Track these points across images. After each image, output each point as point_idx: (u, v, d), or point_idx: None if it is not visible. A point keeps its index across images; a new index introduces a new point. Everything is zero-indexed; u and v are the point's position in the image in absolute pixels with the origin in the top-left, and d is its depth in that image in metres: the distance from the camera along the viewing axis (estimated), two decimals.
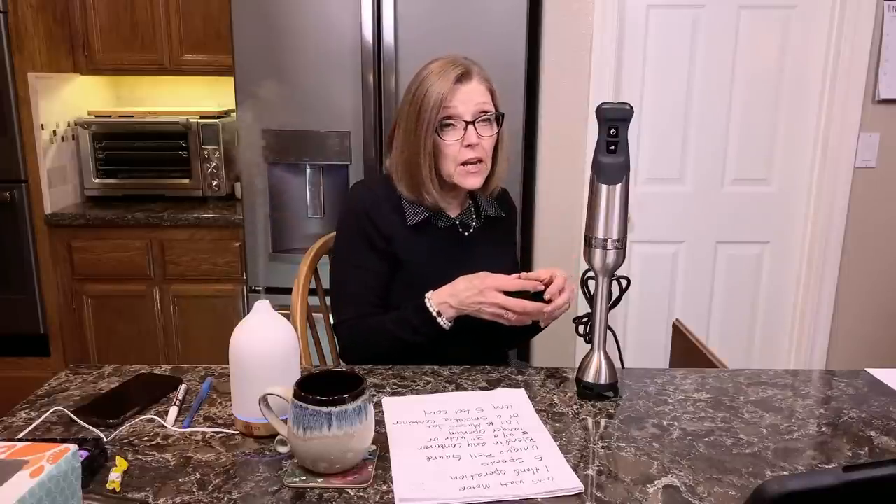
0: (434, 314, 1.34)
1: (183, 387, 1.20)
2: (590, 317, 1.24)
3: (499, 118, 1.45)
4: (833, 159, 2.49)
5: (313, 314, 1.66)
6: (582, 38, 2.40)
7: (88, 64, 2.82)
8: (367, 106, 2.34)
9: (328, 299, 1.52)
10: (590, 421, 1.13)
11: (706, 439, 1.07)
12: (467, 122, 1.39)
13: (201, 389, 1.20)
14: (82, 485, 0.75)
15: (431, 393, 1.22)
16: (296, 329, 1.40)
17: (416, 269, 1.43)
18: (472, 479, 0.94)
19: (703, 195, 2.58)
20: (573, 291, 1.35)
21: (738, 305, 2.67)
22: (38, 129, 2.62)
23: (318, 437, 0.91)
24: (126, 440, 1.04)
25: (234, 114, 2.54)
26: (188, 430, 1.07)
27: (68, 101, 2.83)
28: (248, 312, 1.10)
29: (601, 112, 1.15)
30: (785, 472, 0.98)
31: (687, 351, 1.67)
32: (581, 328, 1.27)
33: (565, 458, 1.00)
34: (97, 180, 2.86)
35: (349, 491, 0.92)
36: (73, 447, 0.72)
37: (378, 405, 1.16)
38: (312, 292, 1.63)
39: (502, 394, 1.21)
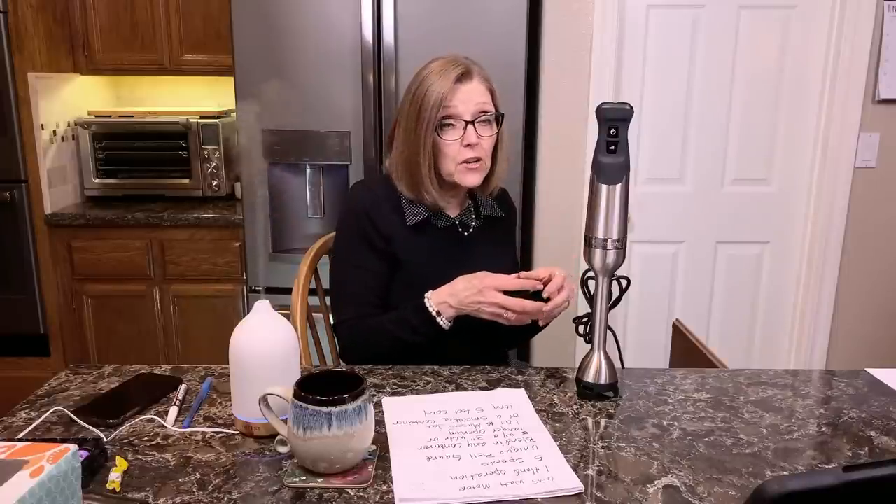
0: (433, 314, 1.34)
1: (183, 387, 1.20)
2: (590, 317, 1.24)
3: (498, 118, 1.45)
4: (833, 159, 2.49)
5: (313, 314, 1.66)
6: (582, 38, 2.40)
7: (88, 64, 2.82)
8: (367, 106, 2.34)
9: (328, 299, 1.52)
10: (590, 421, 1.13)
11: (706, 439, 1.07)
12: (467, 122, 1.39)
13: (201, 389, 1.20)
14: (82, 485, 0.75)
15: (431, 393, 1.22)
16: (296, 329, 1.40)
17: (416, 269, 1.43)
18: (472, 479, 0.94)
19: (703, 195, 2.58)
20: (572, 290, 1.35)
21: (738, 305, 2.67)
22: (38, 129, 2.62)
23: (318, 437, 0.91)
24: (126, 440, 1.04)
25: (234, 114, 2.54)
26: (188, 430, 1.07)
27: (68, 101, 2.83)
28: (248, 312, 1.10)
29: (601, 112, 1.15)
30: (785, 472, 0.98)
31: (687, 351, 1.67)
32: (581, 328, 1.27)
33: (565, 458, 1.00)
34: (97, 180, 2.86)
35: (349, 491, 0.92)
36: (73, 447, 0.72)
37: (378, 405, 1.16)
38: (312, 292, 1.63)
39: (502, 394, 1.21)
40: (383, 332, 1.38)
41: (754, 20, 2.44)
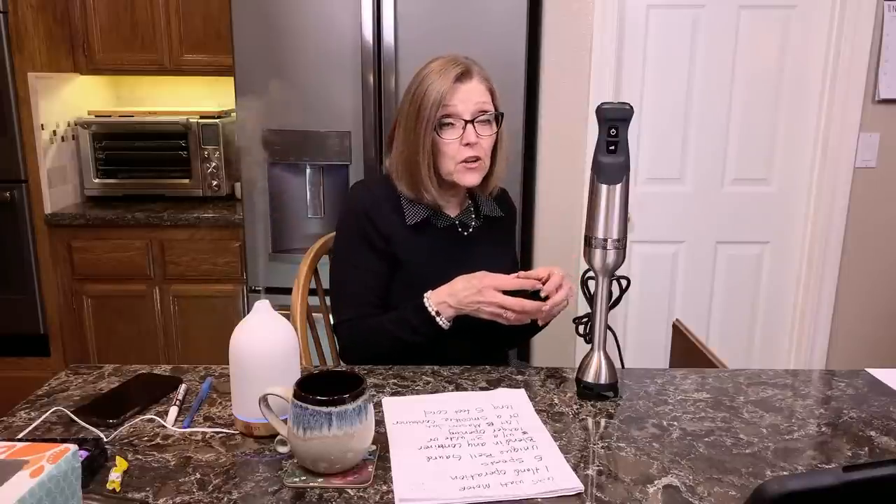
0: (433, 314, 1.34)
1: (183, 387, 1.20)
2: (590, 317, 1.24)
3: (498, 118, 1.45)
4: (833, 159, 2.49)
5: (313, 314, 1.66)
6: (582, 38, 2.40)
7: (88, 64, 2.82)
8: (367, 106, 2.34)
9: (328, 299, 1.52)
10: (590, 421, 1.13)
11: (706, 439, 1.07)
12: (466, 121, 1.39)
13: (201, 389, 1.20)
14: (82, 485, 0.75)
15: (431, 393, 1.22)
16: (296, 329, 1.40)
17: (416, 269, 1.43)
18: (472, 479, 0.94)
19: (703, 195, 2.58)
20: (571, 289, 1.35)
21: (738, 305, 2.67)
22: (38, 129, 2.62)
23: (318, 437, 0.91)
24: (126, 440, 1.04)
25: (234, 114, 2.54)
26: (188, 430, 1.07)
27: (68, 101, 2.83)
28: (248, 312, 1.10)
29: (601, 112, 1.15)
30: (785, 472, 0.98)
31: (687, 351, 1.67)
32: (581, 328, 1.27)
33: (565, 458, 1.00)
34: (97, 180, 2.86)
35: (349, 491, 0.92)
36: (73, 447, 0.72)
37: (378, 405, 1.16)
38: (312, 292, 1.63)
39: (502, 394, 1.21)
40: (383, 332, 1.38)
41: (754, 20, 2.44)
